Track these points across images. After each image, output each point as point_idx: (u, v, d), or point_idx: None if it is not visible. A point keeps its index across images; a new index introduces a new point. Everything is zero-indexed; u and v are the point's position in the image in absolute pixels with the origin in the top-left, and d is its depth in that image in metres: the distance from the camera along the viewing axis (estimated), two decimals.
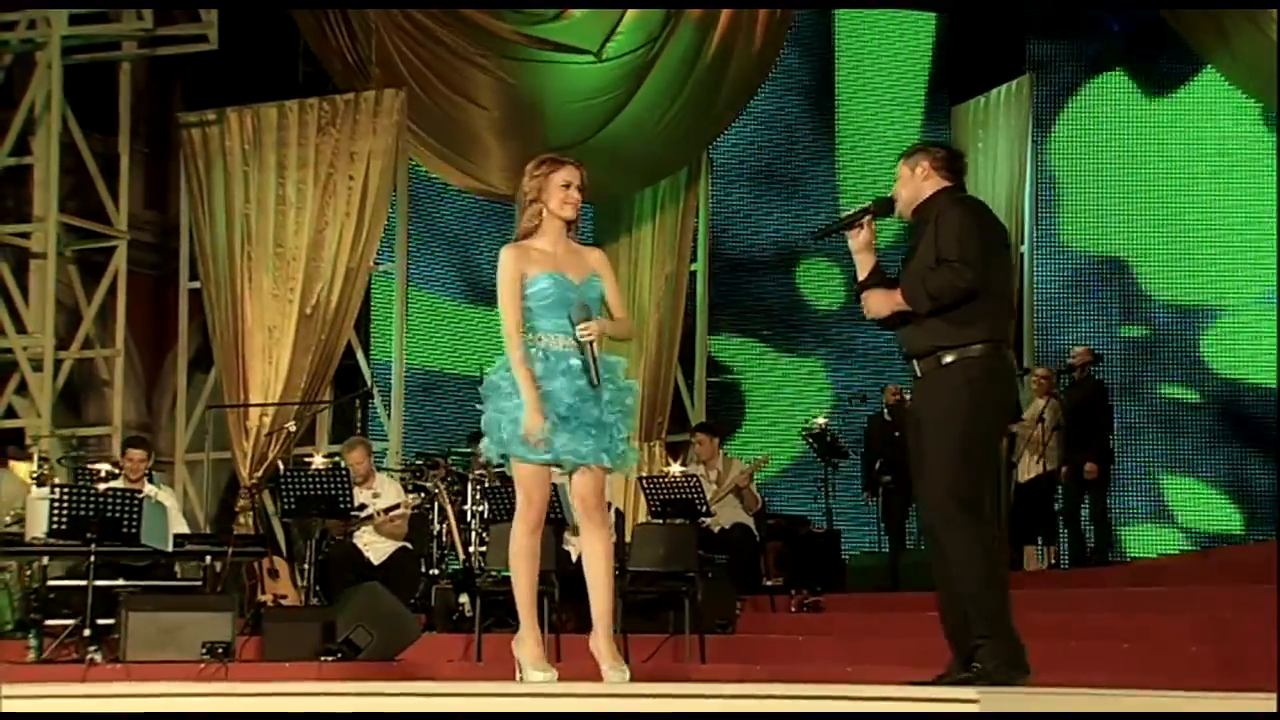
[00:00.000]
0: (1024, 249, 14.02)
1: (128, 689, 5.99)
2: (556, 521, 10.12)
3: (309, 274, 13.78)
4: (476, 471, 11.70)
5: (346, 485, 10.32)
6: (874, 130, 15.38)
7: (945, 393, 5.73)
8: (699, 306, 15.00)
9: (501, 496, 10.38)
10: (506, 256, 6.03)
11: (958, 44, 15.11)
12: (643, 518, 11.53)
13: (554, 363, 5.89)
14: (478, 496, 11.39)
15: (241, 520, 13.44)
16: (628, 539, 10.45)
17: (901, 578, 11.58)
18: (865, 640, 9.56)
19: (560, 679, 6.12)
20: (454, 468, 11.74)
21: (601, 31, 13.90)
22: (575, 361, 5.88)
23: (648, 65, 13.87)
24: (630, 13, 13.85)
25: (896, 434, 12.67)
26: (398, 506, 10.62)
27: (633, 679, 5.91)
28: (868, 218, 5.98)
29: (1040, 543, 12.85)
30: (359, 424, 15.57)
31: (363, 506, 10.55)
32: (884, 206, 6.02)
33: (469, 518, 11.37)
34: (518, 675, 6.06)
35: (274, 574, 10.78)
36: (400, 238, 14.14)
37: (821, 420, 13.00)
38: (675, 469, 11.39)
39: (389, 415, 13.77)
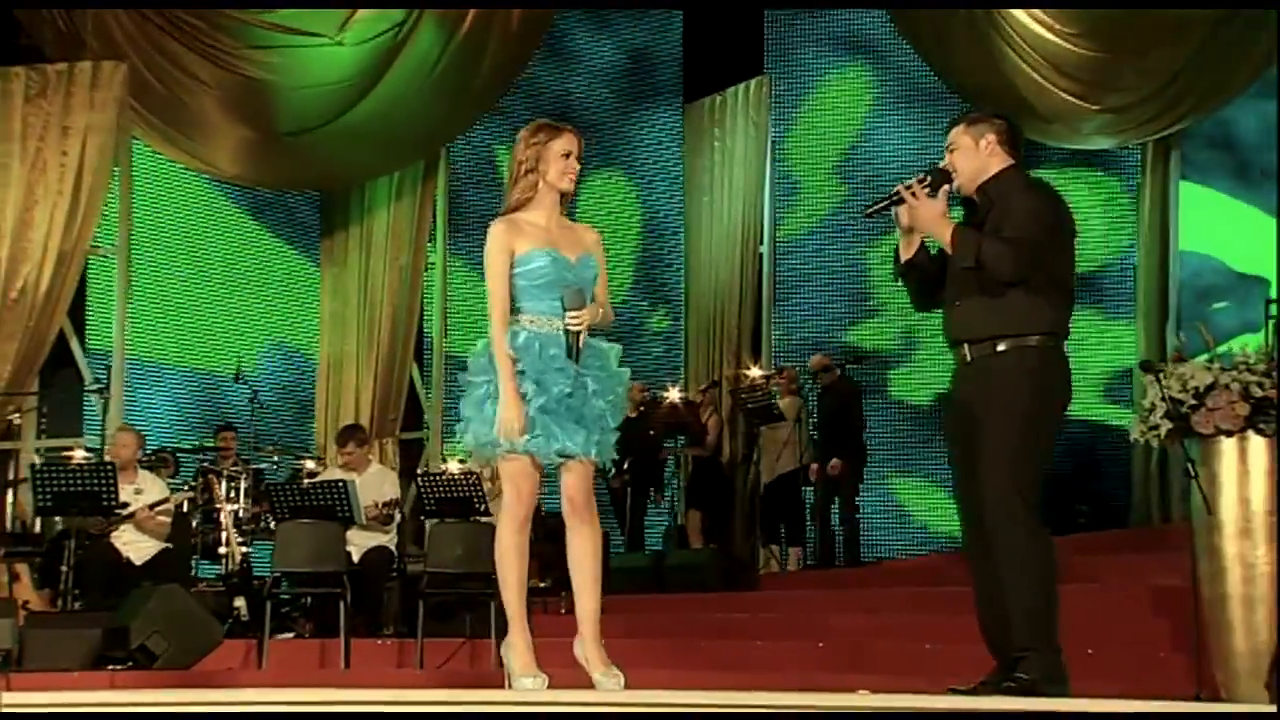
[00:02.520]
0: (763, 249, 14.18)
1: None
2: (345, 520, 9.77)
3: (14, 255, 12.77)
4: (229, 467, 11.17)
5: (111, 481, 9.64)
6: (607, 130, 15.34)
7: (1003, 383, 5.53)
8: (435, 300, 14.69)
9: (285, 495, 9.92)
10: (496, 231, 5.67)
11: (692, 42, 15.13)
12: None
13: (545, 348, 5.55)
14: (232, 494, 10.89)
15: None
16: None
17: (667, 579, 11.50)
18: (673, 640, 9.46)
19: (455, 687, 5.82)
20: (205, 463, 11.16)
21: (338, 17, 13.43)
22: (561, 347, 5.56)
23: (393, 52, 13.46)
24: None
25: (651, 431, 12.68)
26: (164, 501, 10.00)
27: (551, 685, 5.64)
28: (924, 192, 5.67)
29: (784, 543, 12.98)
30: (40, 417, 14.64)
31: (125, 504, 9.89)
32: (940, 179, 5.71)
33: (220, 515, 10.87)
34: (507, 683, 5.71)
35: (15, 577, 10.01)
36: (122, 219, 13.36)
37: None
38: (453, 466, 11.08)
39: (106, 408, 12.96)
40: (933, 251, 5.83)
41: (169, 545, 10.12)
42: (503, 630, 9.00)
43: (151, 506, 9.99)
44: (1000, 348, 5.57)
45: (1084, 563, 9.63)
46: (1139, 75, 12.77)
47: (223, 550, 10.87)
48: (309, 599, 10.15)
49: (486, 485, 10.61)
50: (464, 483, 10.27)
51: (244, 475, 11.09)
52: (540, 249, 5.61)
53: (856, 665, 8.42)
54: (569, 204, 5.79)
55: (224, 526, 10.70)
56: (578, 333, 5.57)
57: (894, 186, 5.82)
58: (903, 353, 14.33)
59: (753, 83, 14.35)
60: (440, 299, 14.87)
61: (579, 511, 5.69)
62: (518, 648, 5.72)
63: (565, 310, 5.57)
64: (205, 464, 11.49)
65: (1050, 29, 13.06)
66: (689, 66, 15.07)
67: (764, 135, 14.33)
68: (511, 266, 5.62)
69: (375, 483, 10.41)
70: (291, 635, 10.22)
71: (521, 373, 5.55)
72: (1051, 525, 12.89)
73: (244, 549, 10.71)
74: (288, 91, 13.56)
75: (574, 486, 5.66)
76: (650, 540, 13.31)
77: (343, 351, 14.41)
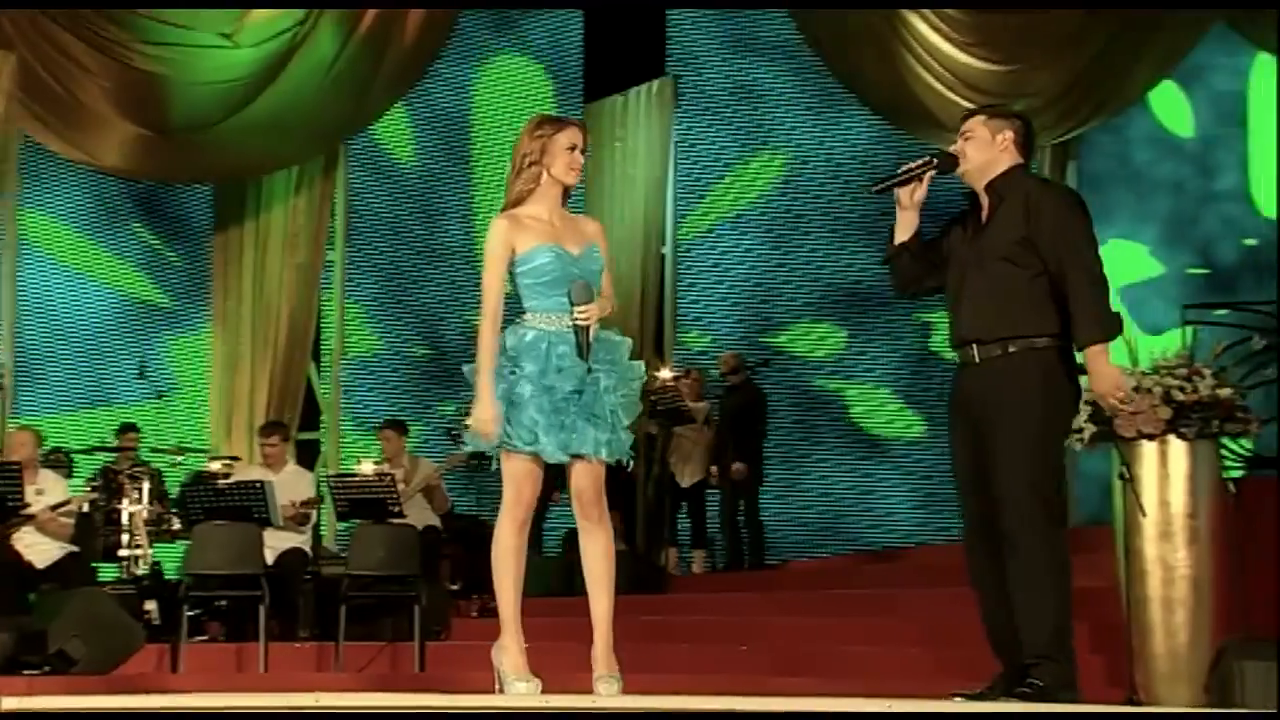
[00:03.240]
0: (666, 250, 14.19)
1: None
2: (260, 520, 9.64)
3: None
4: (130, 467, 10.98)
5: (17, 482, 9.40)
6: (509, 139, 15.23)
7: (1014, 385, 5.47)
8: (337, 298, 14.53)
9: (200, 495, 9.75)
10: (497, 228, 5.55)
11: (593, 43, 15.08)
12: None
13: (554, 347, 5.47)
14: (136, 495, 10.70)
15: None
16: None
17: (578, 582, 11.41)
18: (576, 643, 9.40)
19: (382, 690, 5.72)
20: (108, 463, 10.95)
21: (232, 19, 13.21)
22: (570, 345, 5.47)
23: (289, 52, 13.26)
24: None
25: None
26: (68, 503, 9.78)
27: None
28: (930, 174, 5.62)
29: (690, 545, 13.00)
30: None
31: (26, 505, 9.65)
32: (948, 164, 5.64)
33: (123, 516, 10.68)
34: (497, 686, 5.62)
35: None
36: (9, 214, 13.06)
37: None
38: (367, 467, 10.94)
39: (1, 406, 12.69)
40: (925, 238, 5.80)
41: (74, 548, 9.91)
42: (426, 633, 9.08)
43: (54, 508, 9.75)
44: (1010, 349, 5.53)
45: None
46: (1039, 82, 12.89)
47: (123, 552, 10.65)
48: (223, 602, 9.98)
49: (401, 486, 10.51)
50: (377, 484, 10.16)
51: (146, 476, 10.90)
52: (543, 245, 5.52)
53: (791, 668, 8.42)
54: (566, 199, 5.70)
55: (127, 528, 10.49)
56: (586, 328, 5.47)
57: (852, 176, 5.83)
58: (809, 351, 14.39)
59: (655, 84, 14.33)
60: (339, 297, 14.71)
61: (589, 512, 5.61)
62: (510, 651, 5.63)
63: (572, 305, 5.47)
64: (108, 464, 11.26)
65: (948, 38, 13.10)
66: (590, 67, 15.00)
67: (667, 136, 14.32)
68: (515, 264, 5.54)
69: (292, 482, 10.28)
70: (205, 638, 10.06)
71: (517, 371, 5.47)
72: (950, 532, 12.99)
73: (139, 551, 10.51)
74: (181, 86, 13.32)
75: (584, 487, 5.57)
76: (550, 542, 13.25)
77: (236, 350, 14.19)
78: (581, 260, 5.57)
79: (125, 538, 10.61)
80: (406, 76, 13.96)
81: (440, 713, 4.54)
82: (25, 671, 8.03)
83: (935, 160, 5.66)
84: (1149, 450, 7.16)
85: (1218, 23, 12.09)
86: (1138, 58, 12.37)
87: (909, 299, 6.10)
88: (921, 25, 13.17)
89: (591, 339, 5.49)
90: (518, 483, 5.54)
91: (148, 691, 7.64)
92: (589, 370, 5.47)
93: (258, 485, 9.72)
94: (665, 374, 12.97)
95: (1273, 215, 12.95)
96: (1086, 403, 7.31)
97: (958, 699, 5.45)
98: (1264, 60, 12.53)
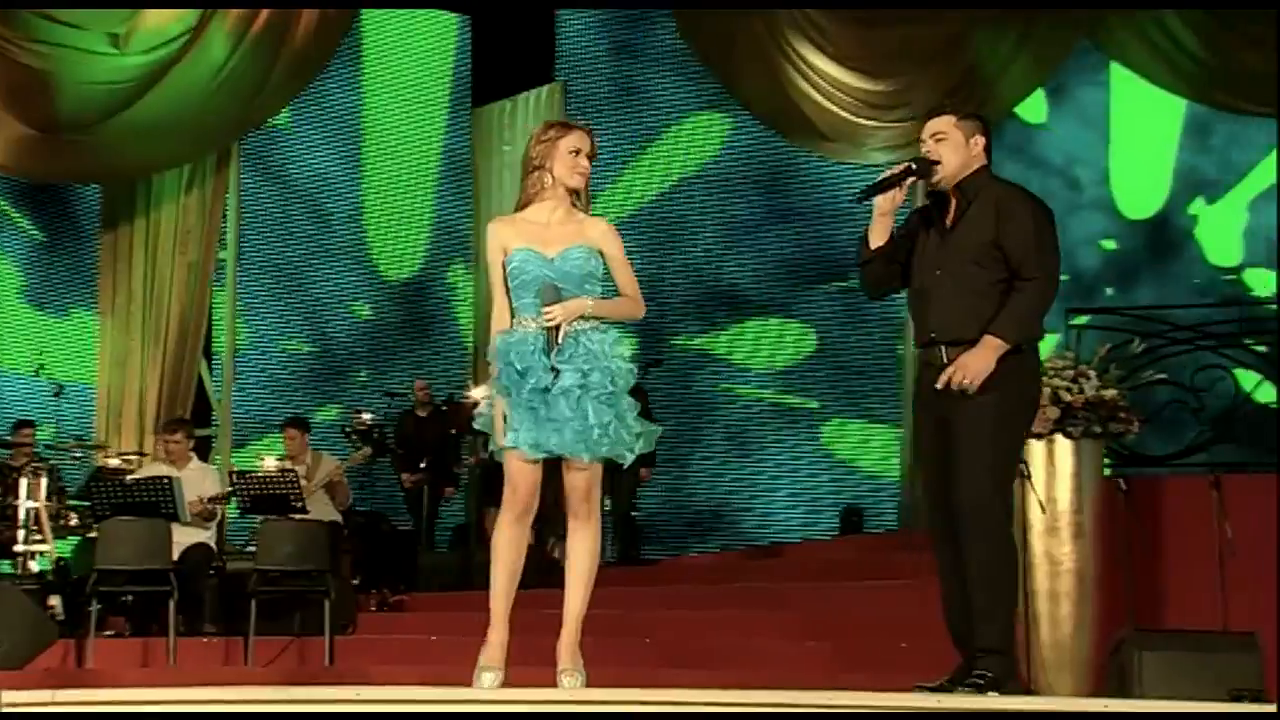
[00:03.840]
0: None
1: None
2: (169, 515, 9.70)
3: None
4: (29, 463, 10.94)
5: None
6: (398, 141, 15.35)
7: (981, 385, 5.51)
8: (228, 296, 14.49)
9: (108, 491, 9.76)
10: (489, 230, 5.73)
11: (481, 47, 15.19)
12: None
13: (522, 348, 5.58)
14: (35, 491, 10.67)
15: None
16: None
17: (475, 576, 11.56)
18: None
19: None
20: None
21: (120, 26, 13.12)
22: (538, 344, 5.56)
23: (179, 55, 13.16)
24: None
25: (453, 431, 12.75)
26: None
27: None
28: (909, 180, 5.66)
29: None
30: None
31: None
32: (925, 170, 5.67)
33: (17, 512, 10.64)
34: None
35: None
36: None
37: (367, 417, 12.70)
38: (270, 462, 11.00)
39: None
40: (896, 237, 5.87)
41: None
42: (334, 628, 9.20)
43: None
44: None
45: (905, 560, 9.79)
46: (913, 95, 13.15)
47: (19, 548, 10.62)
48: (129, 597, 9.99)
49: (303, 483, 10.58)
50: (280, 479, 10.24)
51: (45, 471, 10.86)
52: (520, 247, 5.64)
53: (685, 661, 8.58)
54: (587, 200, 5.80)
55: (24, 523, 10.44)
56: (554, 328, 5.55)
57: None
58: (696, 350, 14.63)
59: (544, 89, 14.45)
60: (230, 295, 14.69)
61: (576, 510, 5.67)
62: (489, 642, 5.71)
63: (541, 305, 5.58)
64: (3, 460, 11.21)
65: (824, 52, 13.24)
66: (478, 71, 15.08)
67: None
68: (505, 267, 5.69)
69: (197, 479, 10.33)
70: (112, 634, 10.08)
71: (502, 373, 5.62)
72: (838, 530, 13.19)
73: (45, 547, 10.48)
74: (68, 85, 13.13)
75: (573, 485, 5.63)
76: (440, 538, 13.39)
77: (126, 347, 14.08)
78: (556, 262, 5.64)
79: (21, 534, 10.57)
80: (298, 79, 13.85)
81: (401, 713, 4.67)
82: None
83: (914, 167, 5.70)
84: (1037, 449, 7.52)
85: (1081, 39, 12.54)
86: (1007, 72, 12.73)
87: (877, 300, 6.20)
88: (801, 42, 13.31)
89: (561, 339, 5.56)
90: (511, 478, 5.62)
91: (67, 687, 7.68)
92: (554, 370, 5.54)
93: (165, 481, 9.77)
94: None
95: (1133, 218, 13.52)
96: None
97: (919, 691, 5.53)
98: (1121, 74, 13.02)
